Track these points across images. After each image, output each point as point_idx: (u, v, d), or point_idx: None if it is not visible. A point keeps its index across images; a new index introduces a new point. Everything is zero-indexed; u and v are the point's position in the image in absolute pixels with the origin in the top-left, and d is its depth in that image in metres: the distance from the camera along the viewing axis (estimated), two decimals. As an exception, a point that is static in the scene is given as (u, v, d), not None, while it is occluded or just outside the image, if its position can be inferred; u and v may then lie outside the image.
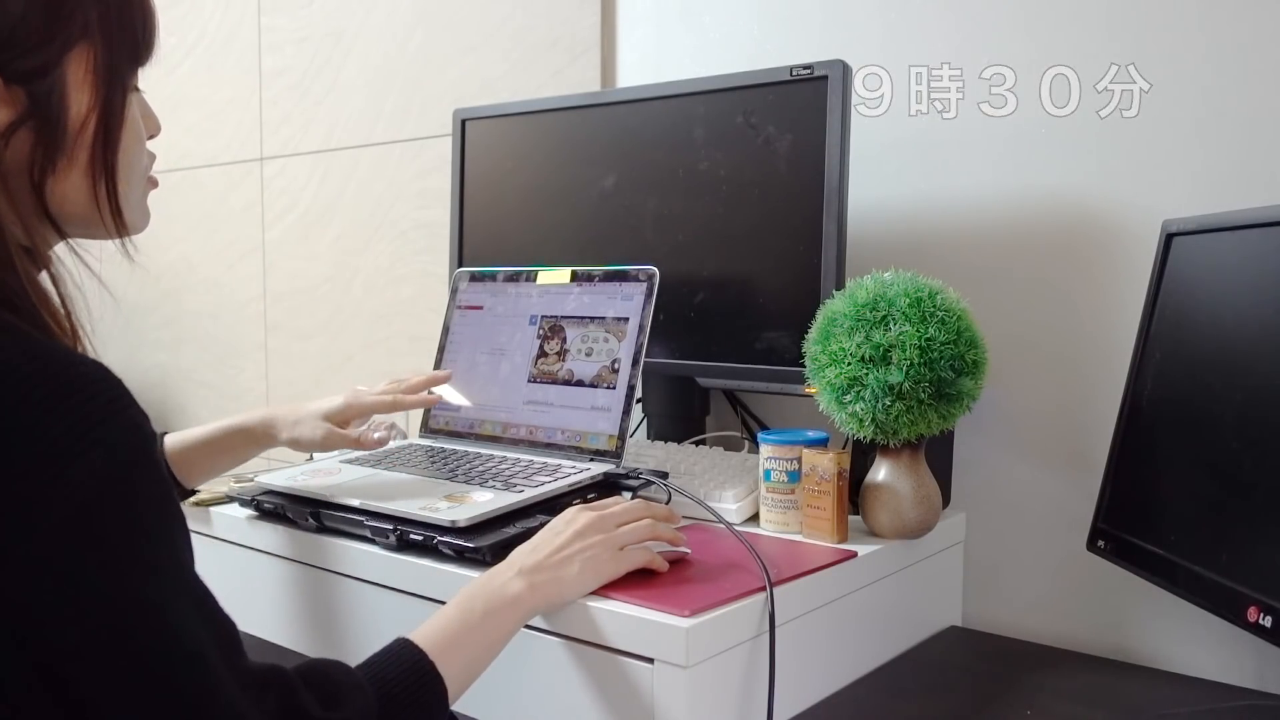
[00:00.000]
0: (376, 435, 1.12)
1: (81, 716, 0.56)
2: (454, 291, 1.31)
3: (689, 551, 0.95)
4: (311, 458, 1.29)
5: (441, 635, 0.78)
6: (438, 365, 1.29)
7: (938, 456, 1.14)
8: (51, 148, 0.64)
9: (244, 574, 1.14)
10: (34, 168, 0.63)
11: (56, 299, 0.63)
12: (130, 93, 0.70)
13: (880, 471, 1.05)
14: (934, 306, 0.99)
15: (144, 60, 0.70)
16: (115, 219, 0.70)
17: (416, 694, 0.73)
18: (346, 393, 1.11)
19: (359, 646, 1.04)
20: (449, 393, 1.27)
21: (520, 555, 0.86)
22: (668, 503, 1.09)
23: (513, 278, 1.26)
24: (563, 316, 1.19)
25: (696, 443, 1.32)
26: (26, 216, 0.64)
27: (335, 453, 1.27)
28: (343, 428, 1.10)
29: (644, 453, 1.25)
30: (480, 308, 1.28)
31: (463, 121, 1.48)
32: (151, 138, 0.76)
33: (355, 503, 1.03)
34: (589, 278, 1.19)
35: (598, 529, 0.88)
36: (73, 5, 0.64)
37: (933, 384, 0.97)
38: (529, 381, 1.20)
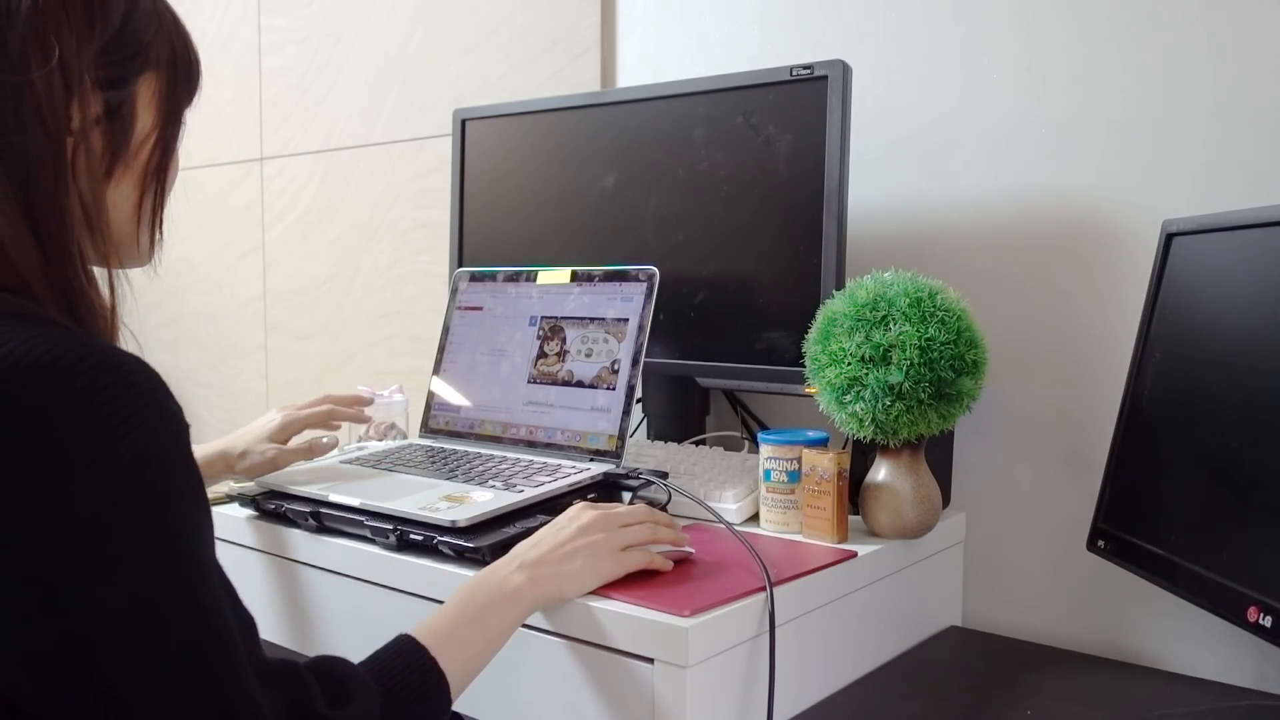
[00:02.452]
0: (325, 440, 1.14)
1: (106, 693, 0.58)
2: (454, 291, 1.31)
3: (693, 551, 0.95)
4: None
5: (442, 630, 0.78)
6: (438, 365, 1.29)
7: (938, 456, 1.14)
8: (116, 154, 0.71)
9: (244, 574, 1.14)
10: (99, 168, 0.70)
11: (108, 300, 0.70)
12: (181, 128, 0.77)
13: (880, 471, 1.05)
14: (934, 306, 0.99)
15: (190, 103, 0.78)
16: (150, 233, 0.76)
17: (419, 689, 0.74)
18: (281, 411, 1.16)
19: (359, 646, 1.03)
20: (450, 392, 1.27)
21: (523, 549, 0.86)
22: (668, 502, 1.09)
23: (513, 278, 1.26)
24: (562, 317, 1.19)
25: (696, 443, 1.32)
26: (88, 219, 0.70)
27: (335, 453, 1.27)
28: (285, 445, 1.14)
29: (644, 453, 1.25)
30: (480, 308, 1.28)
31: (463, 121, 1.48)
32: None
33: (355, 503, 1.03)
34: (589, 278, 1.19)
35: (601, 527, 0.89)
36: (153, 35, 0.73)
37: (933, 384, 0.97)
38: (529, 383, 1.20)
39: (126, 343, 0.69)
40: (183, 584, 0.60)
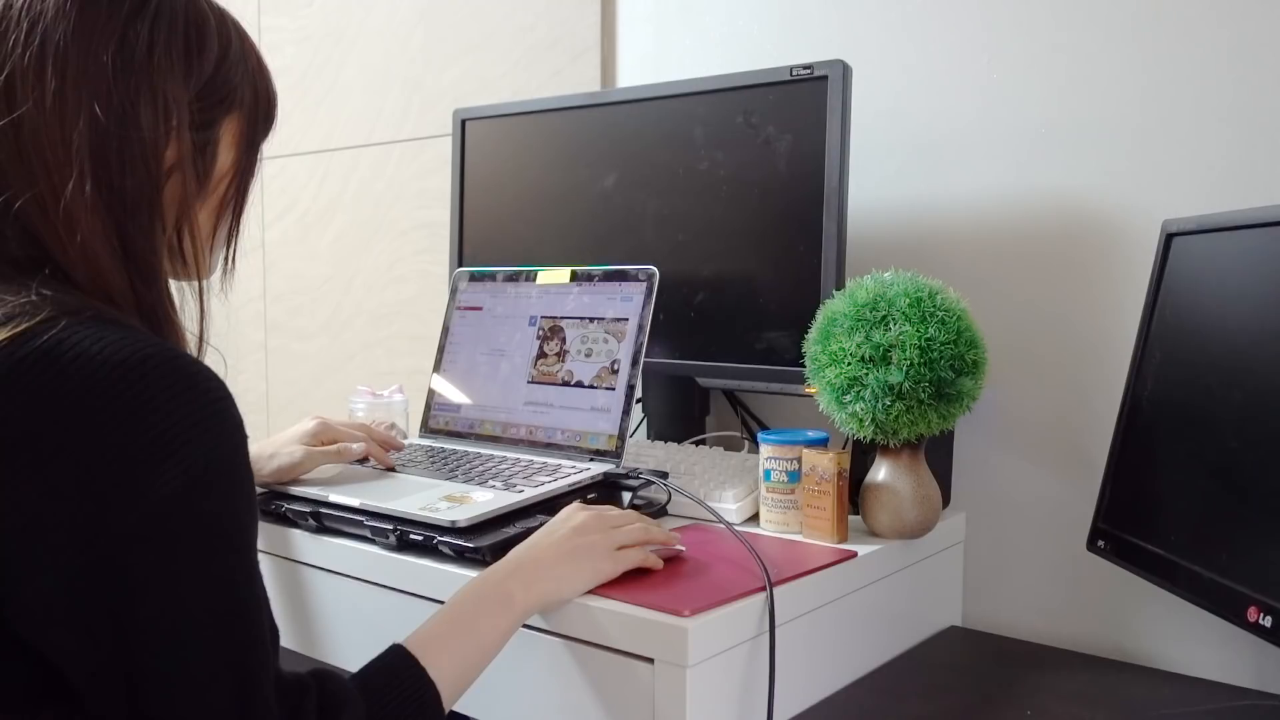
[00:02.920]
0: (356, 446, 1.12)
1: (135, 674, 0.61)
2: (454, 291, 1.31)
3: (684, 549, 0.95)
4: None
5: (434, 639, 0.78)
6: (438, 365, 1.29)
7: (938, 456, 1.14)
8: (199, 188, 0.76)
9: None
10: (185, 202, 0.75)
11: (198, 321, 0.78)
12: (257, 162, 0.82)
13: (880, 471, 1.05)
14: (934, 306, 0.99)
15: (266, 139, 0.83)
16: (223, 254, 0.82)
17: (408, 701, 0.74)
18: (315, 419, 1.15)
19: (359, 646, 1.04)
20: (450, 391, 1.27)
21: (517, 554, 0.86)
22: (668, 502, 1.10)
23: (512, 278, 1.26)
24: (562, 317, 1.19)
25: (696, 443, 1.32)
26: (169, 249, 0.75)
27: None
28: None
29: (644, 453, 1.25)
30: (480, 308, 1.28)
31: (463, 121, 1.48)
32: None
33: (355, 503, 1.03)
34: (589, 278, 1.19)
35: (595, 527, 0.89)
36: (239, 79, 0.77)
37: (933, 384, 0.97)
38: (529, 383, 1.20)
39: (209, 360, 0.73)
40: (231, 583, 0.64)
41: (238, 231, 0.82)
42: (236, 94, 0.77)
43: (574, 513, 0.91)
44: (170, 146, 0.72)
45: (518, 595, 0.82)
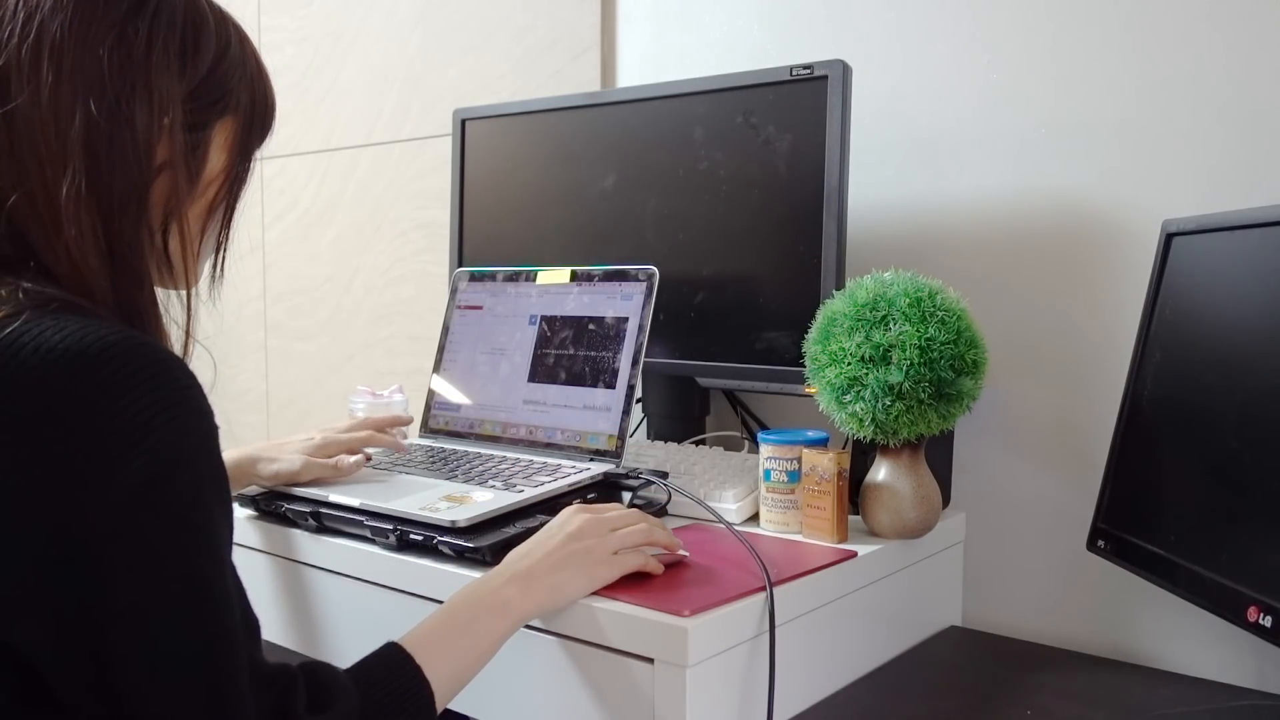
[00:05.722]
0: (353, 460, 1.12)
1: (108, 670, 0.60)
2: (454, 291, 1.31)
3: (687, 555, 0.95)
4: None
5: (429, 638, 0.78)
6: (438, 365, 1.29)
7: (938, 456, 1.14)
8: (188, 190, 0.75)
9: (244, 574, 1.13)
10: (172, 203, 0.74)
11: (184, 321, 0.77)
12: (250, 168, 0.81)
13: (880, 471, 1.05)
14: (934, 306, 0.99)
15: (261, 145, 0.82)
16: (211, 262, 0.82)
17: (400, 697, 0.74)
18: (321, 431, 1.14)
19: (359, 647, 1.03)
20: (450, 391, 1.27)
21: (514, 559, 0.86)
22: (668, 502, 1.09)
23: (512, 277, 1.26)
24: (562, 316, 1.19)
25: (696, 443, 1.32)
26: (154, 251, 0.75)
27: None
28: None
29: (644, 453, 1.25)
30: (480, 308, 1.28)
31: (463, 121, 1.48)
32: None
33: (355, 503, 1.03)
34: (589, 277, 1.19)
35: (593, 532, 0.88)
36: (235, 81, 0.77)
37: (933, 384, 0.97)
38: (528, 382, 1.20)
39: (197, 361, 0.73)
40: (199, 578, 0.62)
41: (227, 238, 0.81)
42: (231, 97, 0.77)
43: (572, 516, 0.89)
44: (162, 144, 0.71)
45: (514, 601, 0.82)
